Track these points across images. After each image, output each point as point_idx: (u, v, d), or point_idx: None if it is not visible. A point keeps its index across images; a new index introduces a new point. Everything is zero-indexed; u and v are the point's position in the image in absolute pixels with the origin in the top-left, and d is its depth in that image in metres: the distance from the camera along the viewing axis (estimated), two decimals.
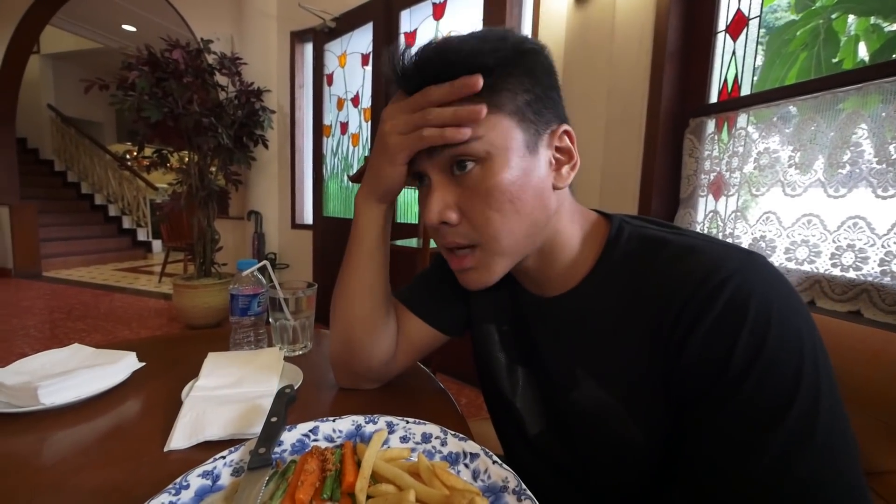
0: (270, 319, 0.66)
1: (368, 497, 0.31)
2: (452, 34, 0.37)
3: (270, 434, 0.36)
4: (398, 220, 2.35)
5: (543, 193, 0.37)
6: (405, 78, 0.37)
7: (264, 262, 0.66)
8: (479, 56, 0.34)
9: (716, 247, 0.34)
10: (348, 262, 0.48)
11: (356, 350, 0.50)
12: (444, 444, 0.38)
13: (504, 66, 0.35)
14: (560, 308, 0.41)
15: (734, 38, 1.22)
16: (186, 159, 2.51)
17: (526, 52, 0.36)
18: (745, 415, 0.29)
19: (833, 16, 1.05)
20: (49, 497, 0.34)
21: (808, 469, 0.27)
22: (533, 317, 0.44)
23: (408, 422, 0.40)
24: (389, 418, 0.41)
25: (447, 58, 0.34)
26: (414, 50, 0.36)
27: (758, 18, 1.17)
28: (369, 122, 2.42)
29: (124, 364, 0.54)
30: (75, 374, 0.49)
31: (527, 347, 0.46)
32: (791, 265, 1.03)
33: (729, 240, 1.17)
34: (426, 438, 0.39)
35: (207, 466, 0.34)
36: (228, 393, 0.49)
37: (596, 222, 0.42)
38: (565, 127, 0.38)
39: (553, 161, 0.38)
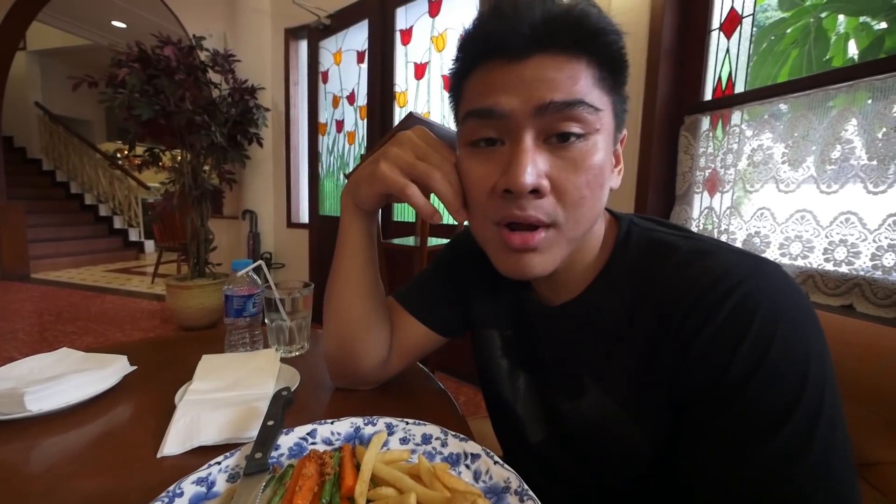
0: (266, 320, 0.65)
1: (368, 501, 0.31)
2: None
3: (267, 438, 0.36)
4: (395, 219, 2.34)
5: (606, 189, 0.36)
6: (528, 26, 0.31)
7: (259, 262, 0.65)
8: (614, 34, 0.33)
9: (726, 252, 0.33)
10: (337, 262, 0.49)
11: (349, 351, 0.49)
12: (444, 445, 0.38)
13: (620, 55, 0.33)
14: (567, 316, 0.41)
15: (728, 37, 1.23)
16: (179, 158, 2.47)
17: (625, 51, 0.34)
18: (741, 423, 0.28)
19: (823, 14, 1.06)
20: None
21: (798, 484, 0.26)
22: (539, 324, 0.44)
23: (407, 423, 0.40)
24: (389, 419, 0.40)
25: (587, 21, 0.32)
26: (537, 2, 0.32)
27: (751, 17, 1.18)
28: (365, 120, 2.41)
29: (115, 368, 0.53)
30: (63, 379, 0.47)
31: (530, 354, 0.45)
32: (785, 260, 1.04)
33: (724, 236, 1.18)
34: (426, 440, 0.38)
35: (202, 473, 0.33)
36: (223, 396, 0.48)
37: (608, 223, 0.41)
38: (625, 132, 0.38)
39: (612, 162, 0.37)
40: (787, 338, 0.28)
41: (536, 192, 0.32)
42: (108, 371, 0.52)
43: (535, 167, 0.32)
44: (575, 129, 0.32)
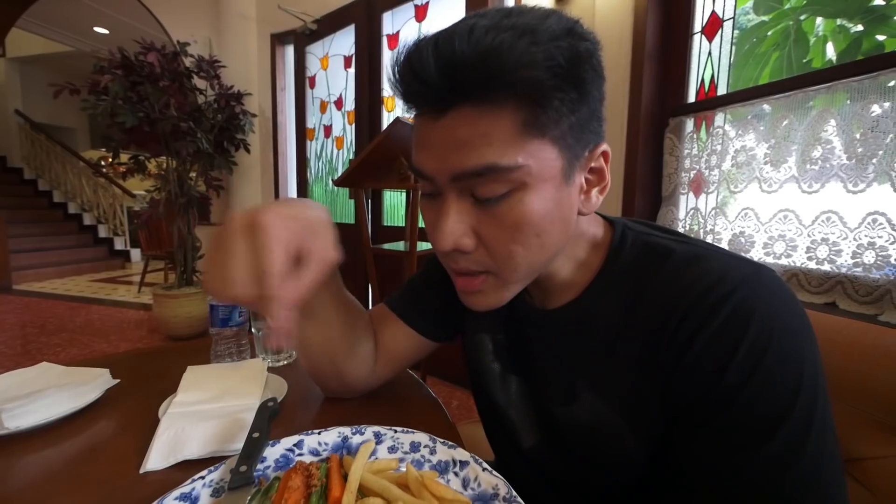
0: (253, 329, 0.65)
1: None
2: (479, 21, 0.28)
3: (252, 450, 0.35)
4: (385, 223, 2.33)
5: (568, 222, 0.34)
6: (427, 86, 0.28)
7: None
8: (532, 67, 0.27)
9: (721, 257, 0.33)
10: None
11: (328, 370, 0.48)
12: (433, 452, 0.38)
13: (557, 80, 0.28)
14: (560, 320, 0.40)
15: (710, 40, 1.25)
16: (164, 165, 2.44)
17: (581, 57, 0.29)
18: (734, 428, 0.28)
19: (802, 17, 1.09)
20: None
21: (788, 490, 0.27)
22: (531, 328, 0.43)
23: (396, 431, 0.39)
24: (377, 428, 0.40)
25: (492, 65, 0.27)
26: (432, 47, 0.27)
27: (732, 20, 1.20)
28: (353, 125, 2.40)
29: (96, 382, 0.51)
30: (43, 394, 0.46)
31: (522, 358, 0.45)
32: (769, 259, 1.06)
33: (709, 236, 1.19)
34: (415, 447, 0.38)
35: (185, 488, 0.32)
36: (209, 408, 0.48)
37: (601, 229, 0.40)
38: (604, 147, 0.34)
39: (584, 184, 0.34)
40: (782, 345, 0.28)
41: (461, 250, 0.33)
42: (90, 386, 0.50)
43: (453, 232, 0.32)
44: (493, 192, 0.30)
